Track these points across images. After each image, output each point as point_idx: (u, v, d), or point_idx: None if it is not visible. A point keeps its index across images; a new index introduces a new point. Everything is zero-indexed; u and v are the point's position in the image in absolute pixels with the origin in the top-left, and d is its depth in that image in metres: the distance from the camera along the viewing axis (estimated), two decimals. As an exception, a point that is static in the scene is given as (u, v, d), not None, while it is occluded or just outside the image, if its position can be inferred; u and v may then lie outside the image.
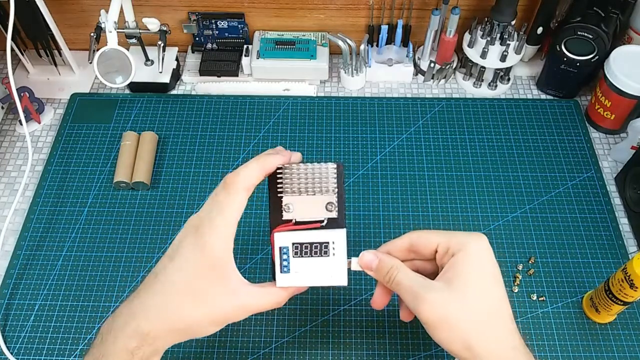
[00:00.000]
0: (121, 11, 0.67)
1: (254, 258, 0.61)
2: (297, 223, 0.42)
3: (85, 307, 0.58)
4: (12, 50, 0.67)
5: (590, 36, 0.67)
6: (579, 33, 0.67)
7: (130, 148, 0.68)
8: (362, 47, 0.75)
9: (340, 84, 0.78)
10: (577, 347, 0.55)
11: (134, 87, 0.76)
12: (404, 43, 0.78)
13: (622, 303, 0.51)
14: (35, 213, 0.65)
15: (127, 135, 0.68)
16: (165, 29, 0.69)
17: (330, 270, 0.42)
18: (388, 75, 0.78)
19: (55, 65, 0.76)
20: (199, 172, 0.68)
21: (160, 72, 0.71)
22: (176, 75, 0.78)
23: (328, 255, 0.42)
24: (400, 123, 0.73)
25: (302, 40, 0.76)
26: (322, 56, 0.75)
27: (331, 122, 0.73)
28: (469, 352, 0.38)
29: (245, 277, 0.40)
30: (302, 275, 0.42)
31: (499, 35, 0.71)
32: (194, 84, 0.78)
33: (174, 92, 0.77)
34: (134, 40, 0.72)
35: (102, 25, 0.66)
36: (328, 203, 0.42)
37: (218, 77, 0.77)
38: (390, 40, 0.78)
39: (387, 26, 0.75)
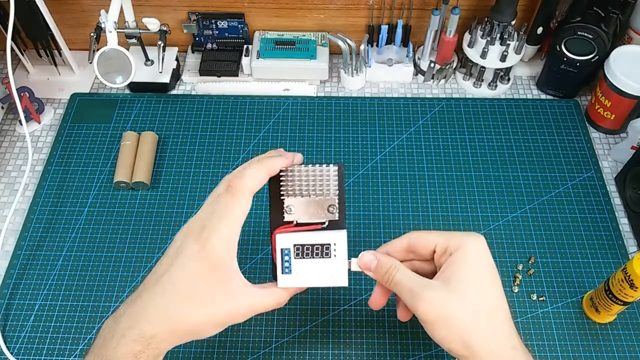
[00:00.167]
0: (121, 11, 0.67)
1: (254, 258, 0.61)
2: (299, 225, 0.42)
3: (85, 307, 0.58)
4: (12, 50, 0.67)
5: (590, 36, 0.67)
6: (579, 33, 0.67)
7: (130, 148, 0.68)
8: (362, 47, 0.75)
9: (340, 84, 0.78)
10: (577, 347, 0.55)
11: (134, 87, 0.76)
12: (404, 43, 0.78)
13: (622, 303, 0.51)
14: (35, 213, 0.65)
15: (127, 135, 0.68)
16: (165, 29, 0.69)
17: (331, 271, 0.42)
18: (388, 75, 0.78)
19: (55, 65, 0.76)
20: (199, 172, 0.68)
21: (160, 72, 0.71)
22: (176, 75, 0.78)
23: (329, 257, 0.42)
24: (400, 123, 0.73)
25: (302, 40, 0.76)
26: (322, 56, 0.75)
27: (331, 122, 0.73)
28: (468, 351, 0.38)
29: (245, 277, 0.40)
30: (303, 276, 0.42)
31: (499, 35, 0.71)
32: (194, 84, 0.78)
33: (174, 92, 0.77)
34: (134, 40, 0.72)
35: (102, 25, 0.66)
36: (329, 205, 0.42)
37: (218, 77, 0.77)
38: (390, 40, 0.78)
39: (387, 26, 0.75)
